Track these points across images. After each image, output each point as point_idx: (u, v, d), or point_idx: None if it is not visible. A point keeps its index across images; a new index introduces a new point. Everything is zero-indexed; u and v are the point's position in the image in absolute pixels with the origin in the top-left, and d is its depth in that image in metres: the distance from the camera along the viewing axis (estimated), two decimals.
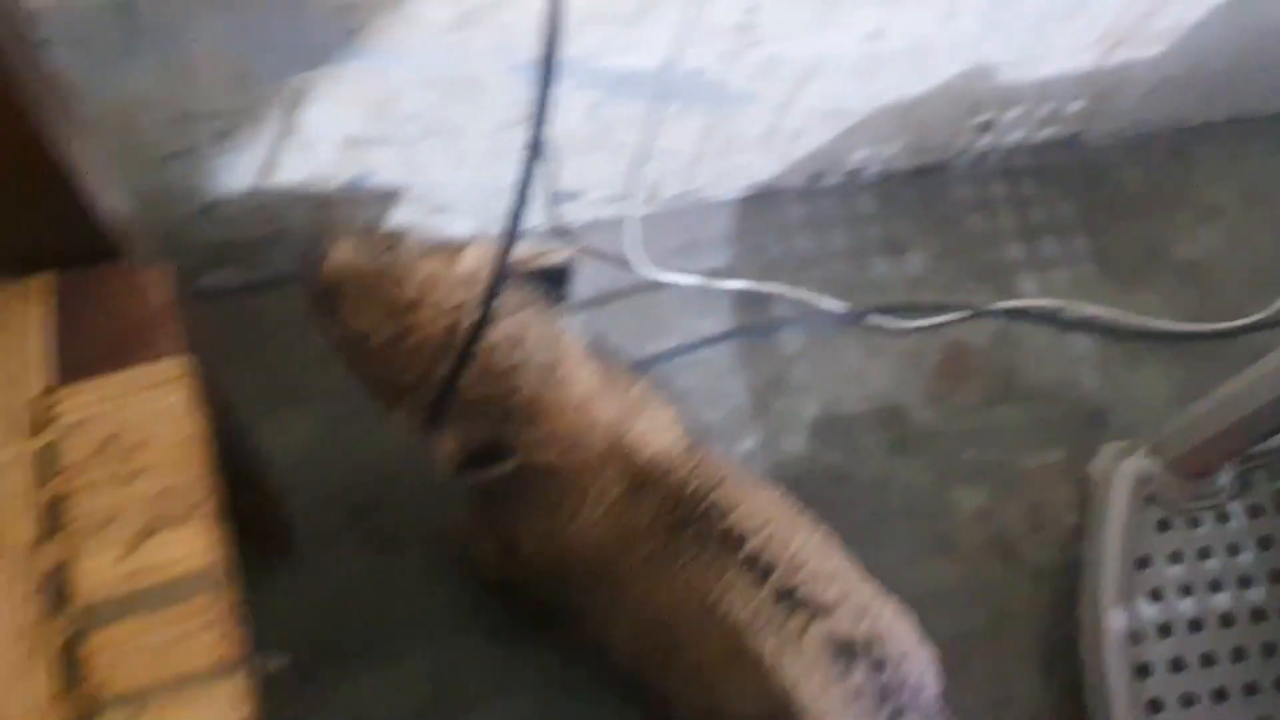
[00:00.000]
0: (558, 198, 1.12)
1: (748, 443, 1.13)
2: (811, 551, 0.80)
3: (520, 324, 0.78)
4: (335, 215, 1.05)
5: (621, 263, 1.15)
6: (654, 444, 0.82)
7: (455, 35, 0.87)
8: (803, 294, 1.19)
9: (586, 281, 1.17)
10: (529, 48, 0.89)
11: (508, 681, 1.01)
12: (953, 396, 1.18)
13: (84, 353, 0.53)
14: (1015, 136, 1.26)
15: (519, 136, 0.99)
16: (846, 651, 0.75)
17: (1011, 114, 1.20)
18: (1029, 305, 1.22)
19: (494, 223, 1.08)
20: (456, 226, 1.13)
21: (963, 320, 1.22)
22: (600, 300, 1.18)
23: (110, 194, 0.54)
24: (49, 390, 0.52)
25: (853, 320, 1.20)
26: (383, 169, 1.01)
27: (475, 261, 0.79)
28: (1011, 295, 1.23)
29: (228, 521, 0.52)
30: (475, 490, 0.86)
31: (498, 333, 0.76)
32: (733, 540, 0.78)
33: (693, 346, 1.18)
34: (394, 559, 1.04)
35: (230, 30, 0.81)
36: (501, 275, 0.67)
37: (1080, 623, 1.04)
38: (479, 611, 1.03)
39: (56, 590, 0.48)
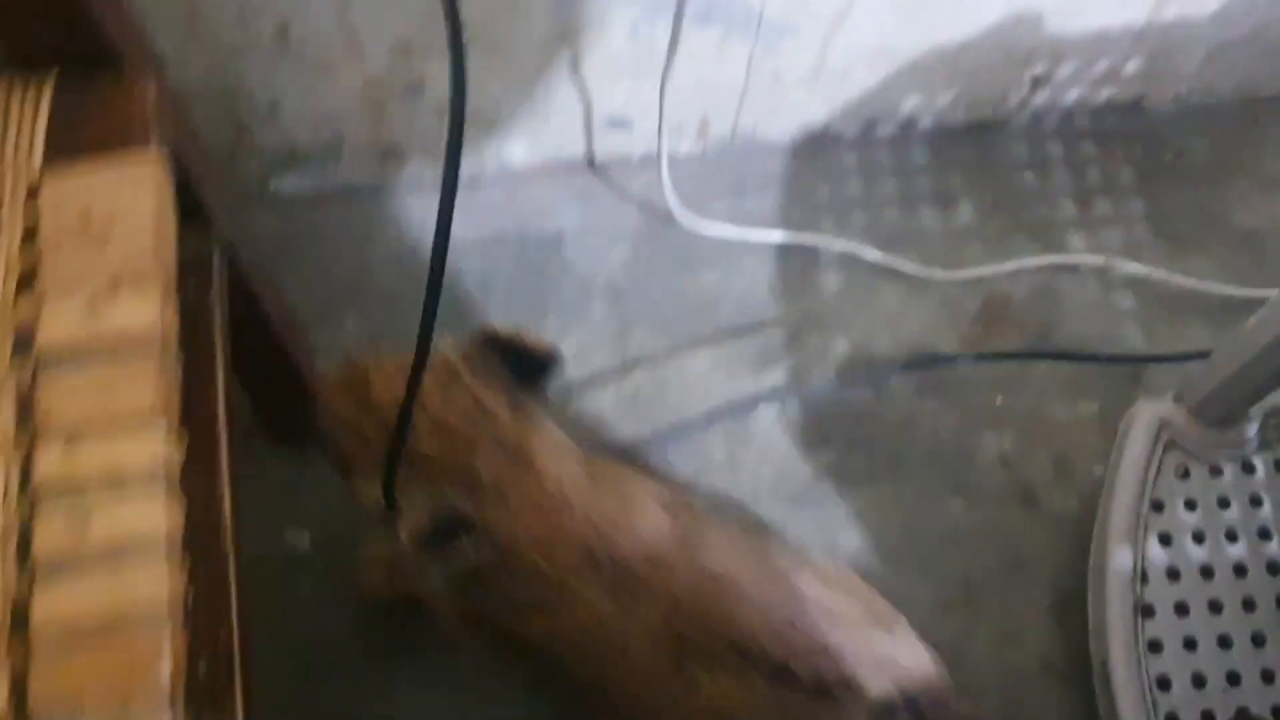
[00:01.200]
0: (611, 123, 1.17)
1: (776, 374, 1.16)
2: (825, 615, 0.76)
3: (478, 398, 0.79)
4: (394, 125, 1.12)
5: (659, 205, 1.20)
6: (643, 544, 0.78)
7: None
8: (844, 244, 1.21)
9: (625, 220, 1.23)
10: None
11: None
12: (988, 344, 1.18)
13: (72, 142, 0.60)
14: (1073, 96, 1.26)
15: (566, 54, 1.06)
16: (888, 714, 0.73)
17: (1065, 69, 1.20)
18: (1075, 261, 1.22)
19: (547, 143, 1.16)
20: (511, 147, 1.19)
21: (1007, 273, 1.22)
22: (642, 236, 1.23)
23: (119, 8, 0.62)
24: (40, 170, 0.60)
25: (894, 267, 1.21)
26: (435, 82, 1.07)
27: (451, 351, 0.81)
28: (1060, 252, 1.23)
29: (177, 298, 0.59)
30: (449, 574, 0.83)
31: (456, 400, 0.78)
32: (742, 650, 0.73)
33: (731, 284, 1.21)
34: None
35: None
36: (428, 337, 0.62)
37: (1090, 563, 1.03)
38: None
39: (24, 339, 0.55)
